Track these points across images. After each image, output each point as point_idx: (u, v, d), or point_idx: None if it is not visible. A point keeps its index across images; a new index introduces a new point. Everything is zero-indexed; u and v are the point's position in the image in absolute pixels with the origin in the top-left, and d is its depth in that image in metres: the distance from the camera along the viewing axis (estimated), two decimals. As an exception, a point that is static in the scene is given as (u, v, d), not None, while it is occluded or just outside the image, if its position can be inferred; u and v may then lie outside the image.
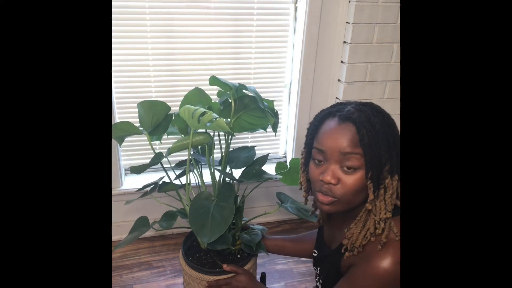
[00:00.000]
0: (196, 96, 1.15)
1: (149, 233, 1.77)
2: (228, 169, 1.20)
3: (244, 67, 1.62)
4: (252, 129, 1.14)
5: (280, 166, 1.24)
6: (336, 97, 1.67)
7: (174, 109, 1.16)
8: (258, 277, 1.28)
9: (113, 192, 1.62)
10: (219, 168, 1.17)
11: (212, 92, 1.20)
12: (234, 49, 1.57)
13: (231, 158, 1.23)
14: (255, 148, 1.27)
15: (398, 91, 1.67)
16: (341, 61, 1.61)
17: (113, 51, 1.43)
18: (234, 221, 1.19)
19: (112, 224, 1.70)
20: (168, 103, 1.12)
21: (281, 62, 1.66)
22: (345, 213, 0.81)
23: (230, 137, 1.15)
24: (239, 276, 1.06)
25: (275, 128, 1.15)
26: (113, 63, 1.46)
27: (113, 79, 1.49)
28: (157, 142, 1.35)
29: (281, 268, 1.60)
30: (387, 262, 0.72)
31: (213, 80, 1.10)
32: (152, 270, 1.57)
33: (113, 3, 1.37)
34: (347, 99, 1.62)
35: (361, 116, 0.75)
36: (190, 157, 1.08)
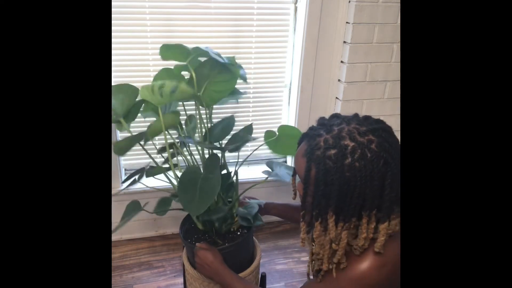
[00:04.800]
0: (165, 76, 1.10)
1: (149, 233, 1.76)
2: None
3: (244, 67, 1.61)
4: (223, 97, 1.09)
5: (269, 134, 1.21)
6: (336, 97, 1.67)
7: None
8: (259, 277, 1.28)
9: (113, 192, 1.62)
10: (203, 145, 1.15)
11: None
12: (234, 49, 1.57)
13: (213, 132, 1.20)
14: (255, 149, 1.26)
15: (398, 91, 1.67)
16: (341, 61, 1.61)
17: (113, 51, 1.43)
18: (230, 199, 1.19)
19: (112, 224, 1.69)
20: (168, 103, 1.11)
21: (281, 62, 1.66)
22: None
23: (211, 110, 1.11)
24: (206, 252, 1.05)
25: (244, 79, 1.10)
26: (113, 63, 1.46)
27: (113, 79, 1.49)
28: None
29: (281, 268, 1.60)
30: (365, 266, 0.74)
31: (165, 51, 1.03)
32: (152, 270, 1.57)
33: (113, 3, 1.37)
34: (347, 99, 1.63)
35: (321, 156, 0.72)
36: (170, 138, 1.03)
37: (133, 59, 1.50)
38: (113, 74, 1.48)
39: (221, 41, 1.54)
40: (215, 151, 1.17)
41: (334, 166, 0.70)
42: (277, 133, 1.19)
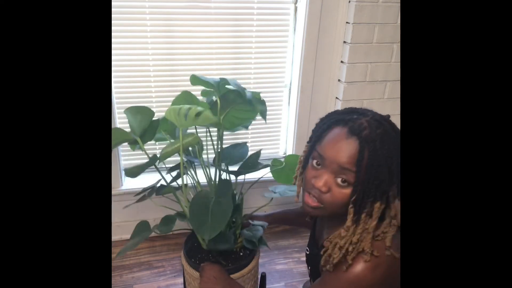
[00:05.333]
0: (184, 99, 1.14)
1: (149, 233, 1.77)
2: (223, 167, 1.20)
3: (244, 67, 1.62)
4: (242, 123, 1.13)
5: (276, 163, 1.23)
6: (336, 97, 1.67)
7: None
8: (258, 276, 1.28)
9: (113, 192, 1.62)
10: (214, 166, 1.17)
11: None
12: (234, 49, 1.57)
13: (225, 155, 1.23)
14: (256, 148, 1.26)
15: (398, 91, 1.67)
16: (341, 61, 1.61)
17: (113, 51, 1.43)
18: (234, 219, 1.19)
19: (112, 224, 1.70)
20: (169, 103, 1.11)
21: (281, 62, 1.66)
22: (332, 217, 0.81)
23: (222, 133, 1.14)
24: (212, 265, 1.04)
25: (263, 115, 1.13)
26: (113, 63, 1.46)
27: (113, 79, 1.49)
28: (153, 142, 1.34)
29: (281, 268, 1.60)
30: (359, 268, 0.73)
31: (194, 79, 1.09)
32: (152, 270, 1.57)
33: (113, 3, 1.37)
34: (347, 99, 1.63)
35: (371, 135, 0.71)
36: (183, 160, 1.08)
37: (133, 59, 1.50)
38: (113, 74, 1.48)
39: (221, 41, 1.54)
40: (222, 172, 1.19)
41: (385, 144, 0.71)
42: (284, 163, 1.21)
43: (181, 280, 1.49)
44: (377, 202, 0.73)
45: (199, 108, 0.94)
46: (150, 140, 1.13)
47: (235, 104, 1.10)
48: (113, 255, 1.61)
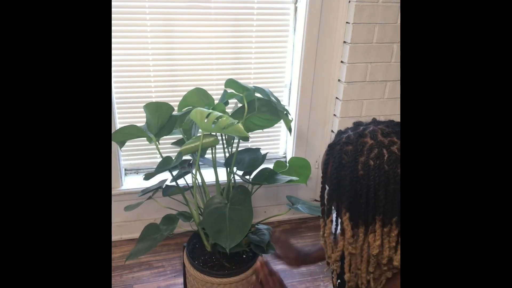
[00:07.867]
0: (196, 96, 1.14)
1: (149, 233, 1.77)
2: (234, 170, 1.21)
3: (244, 67, 1.62)
4: (257, 129, 1.15)
5: (279, 165, 1.24)
6: (336, 97, 1.67)
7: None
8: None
9: (113, 192, 1.62)
10: (223, 168, 1.18)
11: (211, 92, 1.20)
12: (234, 49, 1.57)
13: (237, 160, 1.23)
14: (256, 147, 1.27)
15: (398, 91, 1.67)
16: (341, 61, 1.61)
17: (113, 51, 1.43)
18: None
19: (112, 224, 1.69)
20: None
21: (281, 62, 1.66)
22: None
23: (239, 140, 1.15)
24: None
25: (290, 129, 1.19)
26: (113, 63, 1.46)
27: (113, 79, 1.49)
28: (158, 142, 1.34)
29: (281, 268, 1.60)
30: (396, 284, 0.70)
31: (230, 83, 1.10)
32: (152, 270, 1.57)
33: (113, 3, 1.37)
34: (347, 99, 1.63)
35: (339, 150, 0.70)
36: (197, 159, 1.08)
37: (133, 59, 1.50)
38: (113, 74, 1.48)
39: (221, 41, 1.54)
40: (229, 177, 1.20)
41: (348, 161, 0.68)
42: (287, 165, 1.24)
43: (181, 280, 1.49)
44: (344, 216, 0.70)
45: (231, 119, 0.95)
46: (166, 135, 1.14)
47: (258, 112, 1.12)
48: (113, 255, 1.61)
